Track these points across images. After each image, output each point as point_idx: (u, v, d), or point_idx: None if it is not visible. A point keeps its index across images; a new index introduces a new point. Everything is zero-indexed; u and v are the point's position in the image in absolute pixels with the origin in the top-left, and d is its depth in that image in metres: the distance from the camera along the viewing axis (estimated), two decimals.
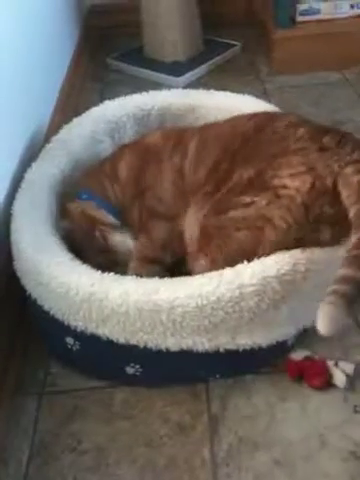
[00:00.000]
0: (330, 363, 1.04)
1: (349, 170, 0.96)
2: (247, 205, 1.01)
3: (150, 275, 1.04)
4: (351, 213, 0.94)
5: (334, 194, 0.97)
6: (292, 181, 0.99)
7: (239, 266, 0.98)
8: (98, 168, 1.28)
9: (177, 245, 1.15)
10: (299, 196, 0.98)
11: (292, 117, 1.14)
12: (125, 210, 1.21)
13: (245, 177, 1.04)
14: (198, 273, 1.01)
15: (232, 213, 1.02)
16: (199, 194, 1.11)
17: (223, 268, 0.99)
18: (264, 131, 1.09)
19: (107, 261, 1.13)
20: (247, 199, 1.01)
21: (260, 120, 1.14)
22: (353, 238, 0.91)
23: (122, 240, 1.17)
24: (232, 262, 0.99)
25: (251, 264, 0.98)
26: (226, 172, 1.08)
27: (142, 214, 1.19)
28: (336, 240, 1.01)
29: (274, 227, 0.99)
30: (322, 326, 0.84)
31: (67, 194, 1.23)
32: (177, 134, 1.25)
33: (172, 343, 0.99)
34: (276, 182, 1.00)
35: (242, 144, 1.10)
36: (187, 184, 1.16)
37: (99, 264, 1.06)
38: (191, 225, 1.11)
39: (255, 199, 1.00)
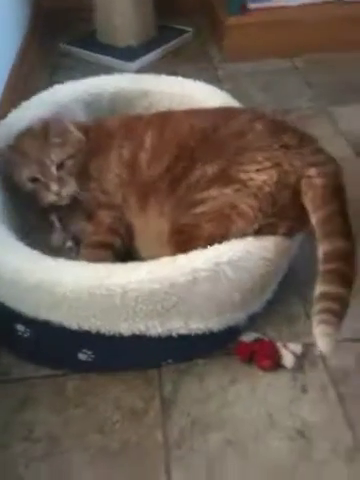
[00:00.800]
0: (279, 344, 1.07)
1: (313, 172, 1.00)
2: (215, 198, 1.03)
3: (100, 260, 1.04)
4: (314, 219, 0.98)
5: (295, 192, 1.00)
6: (259, 175, 1.01)
7: (192, 252, 0.99)
8: None
9: (124, 232, 1.15)
10: (267, 186, 1.01)
11: (247, 113, 1.16)
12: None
13: (209, 173, 1.05)
14: None
15: (200, 208, 1.03)
16: (157, 191, 1.11)
17: None
18: (222, 128, 1.10)
19: None
20: (214, 192, 1.03)
21: (218, 117, 1.15)
22: (321, 250, 0.94)
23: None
24: None
25: (205, 250, 1.00)
26: (184, 169, 1.09)
27: (90, 200, 1.19)
28: (290, 235, 1.05)
29: (241, 214, 1.01)
30: (323, 345, 0.88)
31: None
32: (131, 122, 1.24)
33: (125, 328, 0.99)
34: (242, 176, 1.02)
35: (200, 142, 1.10)
36: (140, 177, 1.15)
37: None
38: (154, 222, 1.11)
39: (223, 191, 1.02)
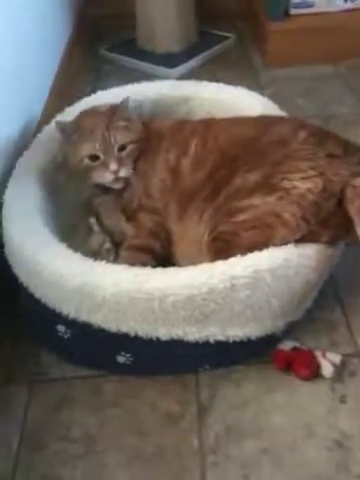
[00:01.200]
0: (318, 353, 1.05)
1: (359, 181, 0.99)
2: (256, 206, 1.02)
3: (141, 263, 1.05)
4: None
5: (339, 201, 1.00)
6: (303, 183, 1.01)
7: (232, 258, 0.99)
8: None
9: (164, 237, 1.16)
10: (311, 195, 1.00)
11: (290, 121, 1.16)
12: None
13: (251, 181, 1.05)
14: None
15: (241, 216, 1.03)
16: (197, 199, 1.12)
17: None
18: (264, 136, 1.10)
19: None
20: (256, 201, 1.03)
21: (260, 125, 1.15)
22: None
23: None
24: None
25: (244, 257, 0.99)
26: (225, 178, 1.09)
27: (133, 200, 1.20)
28: (333, 244, 1.05)
29: (284, 223, 1.00)
30: None
31: None
32: (179, 126, 1.25)
33: (163, 332, 0.99)
34: (286, 184, 1.02)
35: (242, 150, 1.10)
36: (182, 184, 1.16)
37: None
38: (193, 229, 1.11)
39: (265, 199, 1.02)
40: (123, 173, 1.17)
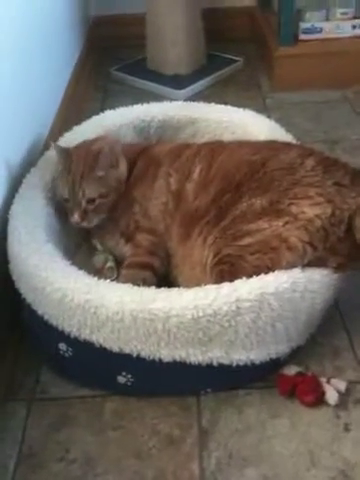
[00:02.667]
0: (323, 380, 1.04)
1: None
2: (263, 230, 1.02)
3: (141, 280, 1.06)
4: None
5: (347, 229, 1.00)
6: (312, 209, 1.00)
7: (237, 281, 0.99)
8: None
9: (163, 256, 1.16)
10: (319, 220, 1.00)
11: (298, 148, 1.16)
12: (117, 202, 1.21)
13: (257, 205, 1.05)
14: None
15: (246, 239, 1.03)
16: (201, 222, 1.11)
17: None
18: (271, 162, 1.10)
19: None
20: (263, 224, 1.02)
21: (266, 150, 1.15)
22: None
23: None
24: None
25: (250, 280, 0.98)
26: (230, 202, 1.09)
27: (130, 223, 1.20)
28: (340, 271, 1.03)
29: (290, 248, 1.00)
30: None
31: None
32: (180, 150, 1.25)
33: (165, 354, 0.98)
34: (294, 209, 1.02)
35: (248, 175, 1.10)
36: (185, 207, 1.16)
37: None
38: (196, 252, 1.11)
39: (272, 223, 1.01)
40: (85, 224, 1.18)
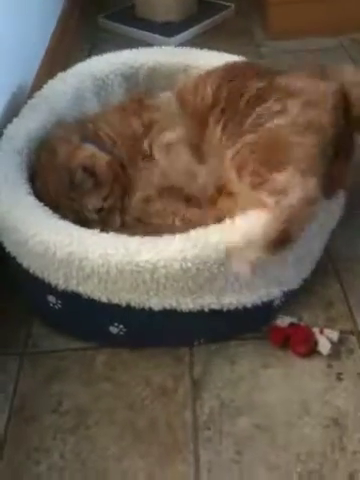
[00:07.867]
0: (315, 330, 1.03)
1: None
2: (280, 112, 1.02)
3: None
4: None
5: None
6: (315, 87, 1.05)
7: (224, 225, 0.96)
8: None
9: None
10: (330, 98, 1.03)
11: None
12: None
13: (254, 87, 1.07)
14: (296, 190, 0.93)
15: (269, 124, 1.01)
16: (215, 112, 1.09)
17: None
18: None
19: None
20: (277, 106, 1.02)
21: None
22: None
23: None
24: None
25: (237, 225, 0.95)
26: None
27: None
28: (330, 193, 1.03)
29: (322, 129, 1.00)
30: None
31: None
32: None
33: (155, 302, 0.97)
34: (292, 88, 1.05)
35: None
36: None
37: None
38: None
39: (287, 105, 1.02)
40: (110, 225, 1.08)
